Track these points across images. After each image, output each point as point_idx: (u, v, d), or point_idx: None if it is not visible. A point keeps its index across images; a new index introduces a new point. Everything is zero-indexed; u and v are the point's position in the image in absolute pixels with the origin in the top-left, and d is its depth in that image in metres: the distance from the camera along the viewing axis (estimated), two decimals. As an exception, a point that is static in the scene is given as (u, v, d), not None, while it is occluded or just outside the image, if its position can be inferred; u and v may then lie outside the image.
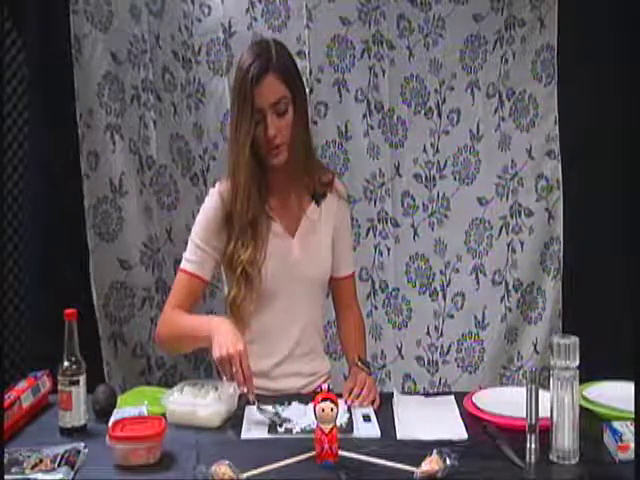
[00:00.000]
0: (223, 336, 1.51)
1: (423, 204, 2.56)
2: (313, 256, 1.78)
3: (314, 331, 1.83)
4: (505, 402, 1.51)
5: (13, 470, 1.24)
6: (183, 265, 1.74)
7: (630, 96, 2.07)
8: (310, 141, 1.78)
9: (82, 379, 1.46)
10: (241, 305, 1.71)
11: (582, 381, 1.32)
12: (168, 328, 1.71)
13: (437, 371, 2.60)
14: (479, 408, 1.51)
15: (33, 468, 1.25)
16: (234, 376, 1.47)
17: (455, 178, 2.56)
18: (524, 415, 1.29)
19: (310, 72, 2.42)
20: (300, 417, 1.49)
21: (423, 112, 2.53)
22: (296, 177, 1.75)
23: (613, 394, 1.51)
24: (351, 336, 1.90)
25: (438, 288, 2.59)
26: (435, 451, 1.24)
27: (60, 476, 1.23)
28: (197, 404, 1.50)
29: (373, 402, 1.59)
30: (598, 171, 2.42)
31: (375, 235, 2.56)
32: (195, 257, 1.72)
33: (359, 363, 1.72)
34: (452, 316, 2.59)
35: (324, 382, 1.79)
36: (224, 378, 1.53)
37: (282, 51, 1.69)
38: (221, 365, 1.49)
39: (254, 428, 1.47)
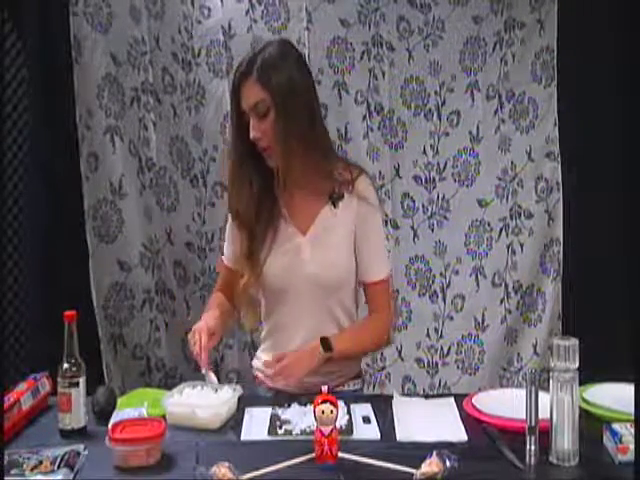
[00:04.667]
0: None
1: (423, 206, 2.56)
2: (324, 257, 1.73)
3: (326, 333, 1.72)
4: (505, 404, 1.51)
5: (13, 472, 1.24)
6: (223, 256, 1.87)
7: (630, 97, 2.07)
8: (314, 142, 1.69)
9: (82, 381, 1.46)
10: (244, 293, 1.74)
11: (582, 383, 1.32)
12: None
13: (437, 373, 2.60)
14: (479, 410, 1.51)
15: (33, 470, 1.25)
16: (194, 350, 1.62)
17: (455, 180, 2.56)
18: (524, 417, 1.29)
19: (310, 74, 2.43)
20: (300, 419, 1.49)
21: (423, 114, 2.53)
22: (303, 178, 1.70)
23: (613, 396, 1.51)
24: (354, 326, 1.79)
25: (438, 290, 2.59)
26: (435, 453, 1.24)
27: (60, 478, 1.23)
28: (197, 406, 1.50)
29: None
30: (598, 172, 2.42)
31: (375, 237, 2.56)
32: (227, 251, 1.84)
33: (321, 343, 1.66)
34: (452, 318, 2.59)
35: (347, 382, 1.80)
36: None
37: (275, 51, 1.64)
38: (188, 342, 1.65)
39: (254, 430, 1.47)
